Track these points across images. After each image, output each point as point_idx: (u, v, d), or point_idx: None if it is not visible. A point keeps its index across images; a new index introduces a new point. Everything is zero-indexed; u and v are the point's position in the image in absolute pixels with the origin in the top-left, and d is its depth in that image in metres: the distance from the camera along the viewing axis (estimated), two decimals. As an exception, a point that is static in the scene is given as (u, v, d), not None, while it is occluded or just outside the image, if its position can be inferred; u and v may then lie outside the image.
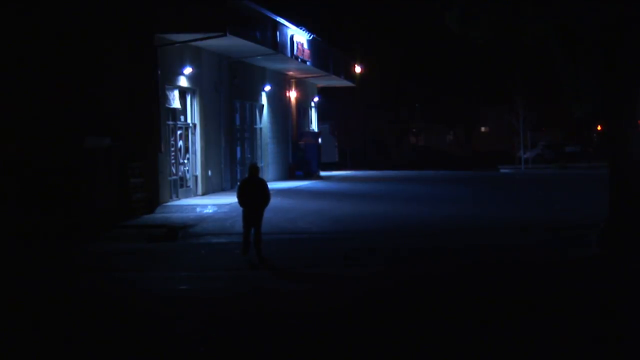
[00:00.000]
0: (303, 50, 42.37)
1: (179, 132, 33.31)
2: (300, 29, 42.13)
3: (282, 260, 20.18)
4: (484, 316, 13.79)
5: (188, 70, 33.06)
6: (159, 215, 28.02)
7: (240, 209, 20.23)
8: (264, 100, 44.48)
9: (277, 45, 37.61)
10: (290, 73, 48.26)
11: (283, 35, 38.96)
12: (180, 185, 33.30)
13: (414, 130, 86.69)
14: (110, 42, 28.24)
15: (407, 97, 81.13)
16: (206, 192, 34.78)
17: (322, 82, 56.06)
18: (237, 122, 40.27)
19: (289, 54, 40.17)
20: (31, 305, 15.66)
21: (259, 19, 35.31)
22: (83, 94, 26.84)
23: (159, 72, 30.34)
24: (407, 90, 79.10)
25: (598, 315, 13.70)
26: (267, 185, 20.16)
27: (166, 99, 31.62)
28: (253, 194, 19.80)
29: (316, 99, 57.40)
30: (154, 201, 29.28)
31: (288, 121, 49.31)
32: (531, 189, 40.27)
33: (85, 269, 19.72)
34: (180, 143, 33.45)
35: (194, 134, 34.69)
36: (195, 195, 34.20)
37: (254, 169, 20.28)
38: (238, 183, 22.98)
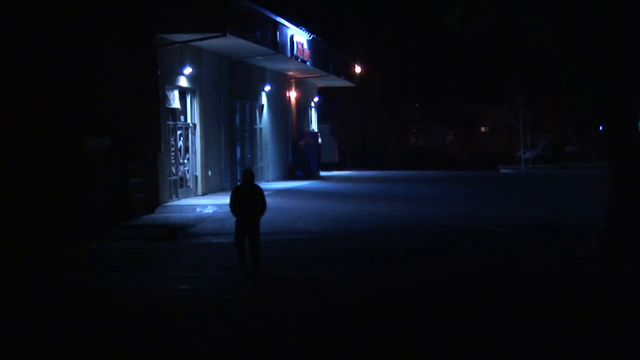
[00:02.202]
0: (303, 50, 42.39)
1: (179, 132, 33.31)
2: (300, 29, 42.13)
3: (282, 261, 20.16)
4: (484, 316, 13.79)
5: (188, 70, 33.06)
6: (159, 215, 28.03)
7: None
8: (264, 100, 44.49)
9: (277, 45, 37.63)
10: (290, 73, 48.28)
11: (283, 35, 38.96)
12: (180, 186, 33.30)
13: (414, 130, 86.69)
14: (110, 42, 28.23)
15: (407, 97, 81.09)
16: (206, 192, 34.79)
17: (322, 82, 56.08)
18: (237, 122, 40.27)
19: (289, 54, 40.18)
20: (31, 305, 15.65)
21: (259, 19, 35.32)
22: (83, 94, 26.81)
23: (159, 72, 30.36)
24: (407, 90, 79.06)
25: (598, 316, 13.69)
26: (263, 193, 18.15)
27: (166, 99, 31.63)
28: (247, 203, 18.01)
29: (316, 99, 57.41)
30: (154, 201, 29.29)
31: (288, 121, 49.33)
32: (531, 189, 40.29)
33: (85, 269, 19.72)
34: (180, 143, 33.46)
35: (194, 134, 34.69)
36: (195, 195, 34.20)
37: (249, 175, 18.34)
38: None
